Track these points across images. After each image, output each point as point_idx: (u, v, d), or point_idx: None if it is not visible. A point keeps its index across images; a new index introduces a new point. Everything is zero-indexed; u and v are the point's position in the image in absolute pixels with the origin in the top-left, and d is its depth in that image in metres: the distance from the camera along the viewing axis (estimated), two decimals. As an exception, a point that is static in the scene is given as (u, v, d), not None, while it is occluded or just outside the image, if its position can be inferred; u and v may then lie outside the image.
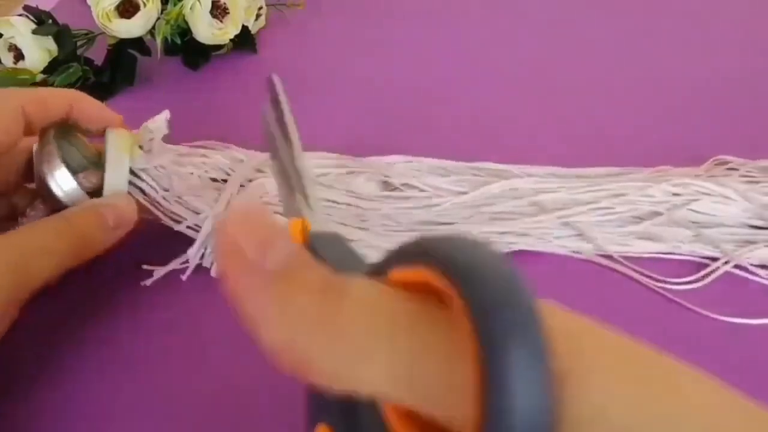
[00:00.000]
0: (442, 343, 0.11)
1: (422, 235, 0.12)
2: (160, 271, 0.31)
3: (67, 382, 0.27)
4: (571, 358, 0.11)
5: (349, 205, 0.34)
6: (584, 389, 0.11)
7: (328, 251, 0.15)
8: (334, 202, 0.34)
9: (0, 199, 0.31)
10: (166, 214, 0.31)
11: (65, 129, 0.30)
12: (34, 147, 0.29)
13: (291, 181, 0.19)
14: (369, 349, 0.11)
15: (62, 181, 0.28)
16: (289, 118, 0.22)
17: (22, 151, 0.30)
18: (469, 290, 0.11)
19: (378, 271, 0.13)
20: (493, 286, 0.11)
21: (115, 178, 0.29)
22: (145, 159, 0.30)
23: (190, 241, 0.31)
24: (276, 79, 0.25)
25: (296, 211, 0.19)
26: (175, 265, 0.31)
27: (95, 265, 0.28)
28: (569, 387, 0.11)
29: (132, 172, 0.30)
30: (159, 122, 0.31)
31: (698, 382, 0.12)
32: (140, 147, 0.31)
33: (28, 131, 0.28)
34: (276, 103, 0.24)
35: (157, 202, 0.31)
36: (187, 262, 0.31)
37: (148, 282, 0.31)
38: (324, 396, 0.15)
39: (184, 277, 0.31)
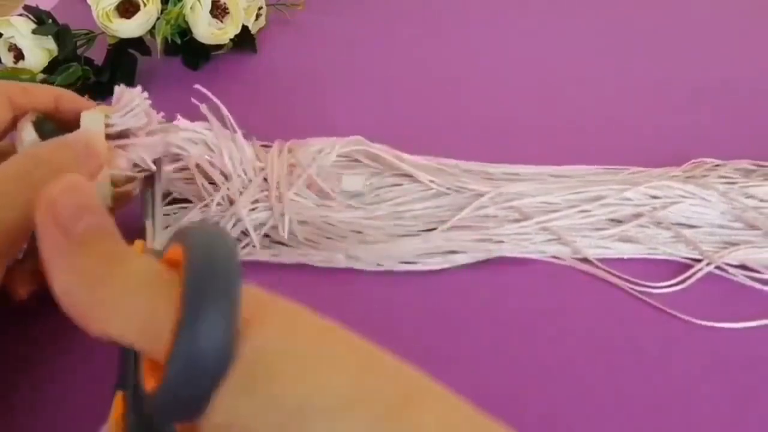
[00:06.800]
0: (170, 302, 0.15)
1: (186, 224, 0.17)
2: None
3: (49, 389, 0.27)
4: (250, 316, 0.15)
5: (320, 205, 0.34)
6: (252, 336, 0.15)
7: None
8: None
9: None
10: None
11: (48, 123, 0.29)
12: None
13: (149, 215, 0.27)
14: (119, 305, 0.15)
15: None
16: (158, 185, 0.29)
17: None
18: (188, 259, 0.15)
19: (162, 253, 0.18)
20: (203, 257, 0.15)
21: (90, 123, 0.28)
22: (120, 118, 0.29)
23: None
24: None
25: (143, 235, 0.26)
26: None
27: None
28: (245, 335, 0.15)
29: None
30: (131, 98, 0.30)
31: (341, 341, 0.16)
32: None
33: (16, 122, 0.28)
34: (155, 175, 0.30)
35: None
36: None
37: None
38: (121, 366, 0.19)
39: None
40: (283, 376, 0.15)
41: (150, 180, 0.31)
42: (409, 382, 0.16)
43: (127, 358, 0.18)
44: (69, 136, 0.27)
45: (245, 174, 0.33)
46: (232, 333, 0.14)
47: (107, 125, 0.29)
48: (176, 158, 0.33)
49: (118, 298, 0.15)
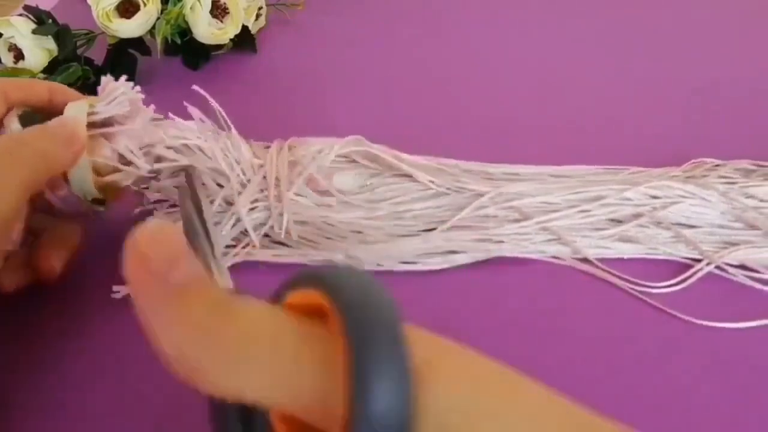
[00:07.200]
0: (319, 356, 0.13)
1: (315, 266, 0.15)
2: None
3: (45, 391, 0.27)
4: (424, 369, 0.13)
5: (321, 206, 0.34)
6: (431, 393, 0.13)
7: None
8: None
9: None
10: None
11: (35, 117, 0.29)
12: None
13: (203, 248, 0.22)
14: (252, 361, 0.13)
15: None
16: (206, 205, 0.27)
17: None
18: (345, 310, 0.13)
19: (276, 297, 0.16)
20: (364, 308, 0.13)
21: (73, 111, 0.28)
22: (104, 106, 0.29)
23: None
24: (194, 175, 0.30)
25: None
26: None
27: (70, 276, 0.28)
28: (421, 391, 0.13)
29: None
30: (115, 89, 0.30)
31: (527, 388, 0.15)
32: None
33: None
34: (194, 194, 0.29)
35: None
36: None
37: (119, 295, 0.30)
38: (223, 408, 0.16)
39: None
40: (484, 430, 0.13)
41: (187, 202, 0.28)
42: None
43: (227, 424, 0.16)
44: (50, 122, 0.27)
45: (243, 174, 0.33)
46: (409, 396, 0.13)
47: (92, 113, 0.29)
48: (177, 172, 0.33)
49: (241, 352, 0.13)
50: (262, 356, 0.13)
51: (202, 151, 0.32)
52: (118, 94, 0.29)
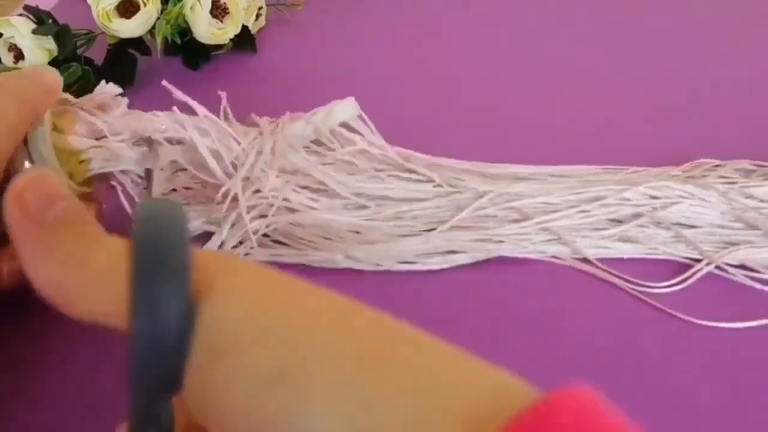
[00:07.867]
0: None
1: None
2: None
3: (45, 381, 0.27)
4: (203, 291, 0.15)
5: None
6: (210, 305, 0.15)
7: None
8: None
9: None
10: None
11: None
12: None
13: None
14: (106, 288, 0.15)
15: None
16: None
17: None
18: (135, 232, 0.15)
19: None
20: (146, 234, 0.15)
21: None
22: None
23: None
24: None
25: None
26: None
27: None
28: (203, 303, 0.15)
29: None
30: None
31: (310, 304, 0.16)
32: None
33: None
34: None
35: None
36: None
37: None
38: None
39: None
40: (253, 344, 0.14)
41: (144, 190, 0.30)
42: (379, 333, 0.16)
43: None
44: (26, 70, 0.27)
45: (235, 164, 0.33)
46: (185, 306, 0.14)
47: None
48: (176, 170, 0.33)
49: (98, 277, 0.15)
50: (108, 281, 0.15)
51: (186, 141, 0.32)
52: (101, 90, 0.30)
